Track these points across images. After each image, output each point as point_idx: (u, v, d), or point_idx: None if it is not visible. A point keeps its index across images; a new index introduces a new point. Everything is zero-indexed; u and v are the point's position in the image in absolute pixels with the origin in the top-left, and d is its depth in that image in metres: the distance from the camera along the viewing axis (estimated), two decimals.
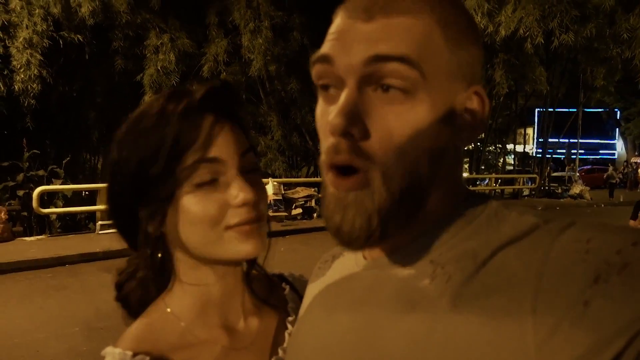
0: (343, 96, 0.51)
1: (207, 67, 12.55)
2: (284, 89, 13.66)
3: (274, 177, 12.67)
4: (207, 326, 0.76)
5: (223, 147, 0.69)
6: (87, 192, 11.05)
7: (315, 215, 11.99)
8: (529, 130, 33.52)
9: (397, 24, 0.51)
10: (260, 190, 0.73)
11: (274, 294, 0.87)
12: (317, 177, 15.02)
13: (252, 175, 0.73)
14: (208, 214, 0.69)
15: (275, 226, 10.44)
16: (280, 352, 0.78)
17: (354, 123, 0.50)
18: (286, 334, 0.80)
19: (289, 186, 12.39)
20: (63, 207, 9.93)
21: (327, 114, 0.53)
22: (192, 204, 0.69)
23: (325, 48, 0.54)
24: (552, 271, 0.44)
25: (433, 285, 0.51)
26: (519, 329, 0.43)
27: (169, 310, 0.76)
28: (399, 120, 0.50)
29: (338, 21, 0.55)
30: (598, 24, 11.68)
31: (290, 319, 0.82)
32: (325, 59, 0.53)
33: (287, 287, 0.89)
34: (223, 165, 0.70)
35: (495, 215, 0.54)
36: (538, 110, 28.80)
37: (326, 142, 0.53)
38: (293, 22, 12.95)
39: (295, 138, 14.31)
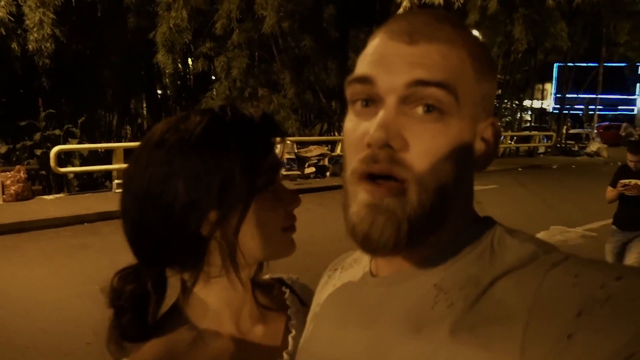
0: (382, 112, 0.54)
1: (220, 24, 12.36)
2: (298, 46, 13.45)
3: (287, 135, 12.62)
4: (218, 335, 0.78)
5: (276, 166, 0.78)
6: (103, 151, 11.18)
7: (328, 173, 12.02)
8: (547, 86, 32.77)
9: (437, 51, 0.54)
10: None
11: (275, 298, 0.89)
12: (330, 135, 14.97)
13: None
14: (274, 218, 0.77)
15: (289, 185, 10.41)
16: (285, 356, 0.80)
17: (393, 136, 0.53)
18: (290, 338, 0.82)
19: (302, 145, 12.38)
20: (80, 166, 10.09)
21: (359, 129, 0.56)
22: (263, 209, 0.75)
23: (365, 69, 0.56)
24: (540, 304, 0.46)
25: (436, 310, 0.54)
26: None
27: (183, 321, 0.77)
28: (435, 137, 0.53)
29: (377, 42, 0.57)
30: None
31: (292, 322, 0.84)
32: (366, 80, 0.56)
33: (287, 291, 0.91)
34: (277, 174, 0.78)
35: (499, 242, 0.56)
36: (557, 65, 28.07)
37: (358, 154, 0.55)
38: None
39: (309, 96, 14.19)
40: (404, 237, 0.54)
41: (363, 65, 0.57)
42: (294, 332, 0.83)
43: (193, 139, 0.71)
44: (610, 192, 4.39)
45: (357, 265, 0.70)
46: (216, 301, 0.79)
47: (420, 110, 0.53)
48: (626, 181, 4.19)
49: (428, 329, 0.53)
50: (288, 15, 12.52)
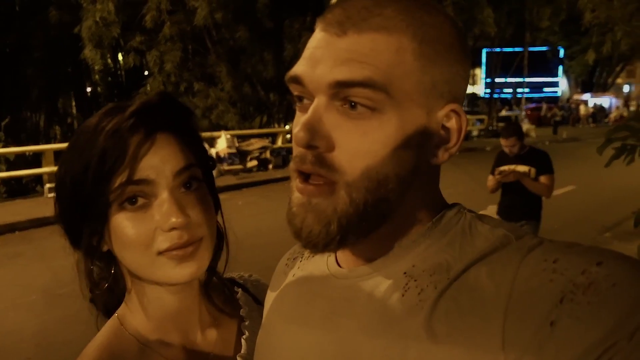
0: (310, 110, 0.52)
1: (150, 17, 11.95)
2: (232, 38, 13.25)
3: (226, 129, 12.48)
4: (164, 343, 0.75)
5: (152, 167, 0.67)
6: (31, 154, 10.59)
7: (270, 166, 11.98)
8: (477, 71, 34.01)
9: (367, 41, 0.51)
10: (201, 208, 0.71)
11: (229, 300, 0.85)
12: (271, 127, 14.89)
13: (194, 192, 0.71)
14: (138, 238, 0.67)
15: (231, 180, 10.38)
16: (238, 359, 0.77)
17: (317, 136, 0.51)
18: (243, 340, 0.79)
19: (242, 138, 12.25)
20: (6, 170, 9.53)
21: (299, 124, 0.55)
22: (123, 227, 0.68)
23: (297, 67, 0.55)
24: (520, 292, 0.46)
25: (406, 298, 0.52)
26: (490, 352, 0.45)
27: (125, 329, 0.75)
28: (365, 136, 0.51)
29: (315, 34, 0.55)
30: None
31: (245, 324, 0.81)
32: (296, 80, 0.54)
33: (240, 291, 0.87)
34: (153, 186, 0.68)
35: (469, 228, 0.55)
36: (486, 51, 29.16)
37: (296, 150, 0.55)
38: None
39: (247, 88, 14.04)
40: (335, 237, 0.53)
41: (299, 62, 0.55)
42: (247, 333, 0.80)
43: (76, 131, 0.72)
44: (490, 181, 4.08)
45: (321, 254, 0.66)
46: (157, 309, 0.76)
47: (348, 108, 0.52)
48: (504, 168, 3.91)
49: (400, 324, 0.52)
50: (221, 6, 12.27)
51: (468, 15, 14.63)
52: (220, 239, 0.79)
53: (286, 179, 0.60)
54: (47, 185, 9.15)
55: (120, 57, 14.46)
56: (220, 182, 9.81)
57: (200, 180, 0.73)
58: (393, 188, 0.53)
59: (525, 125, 20.99)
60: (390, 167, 0.52)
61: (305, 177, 0.53)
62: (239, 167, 11.36)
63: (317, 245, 0.54)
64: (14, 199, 9.33)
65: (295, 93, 0.56)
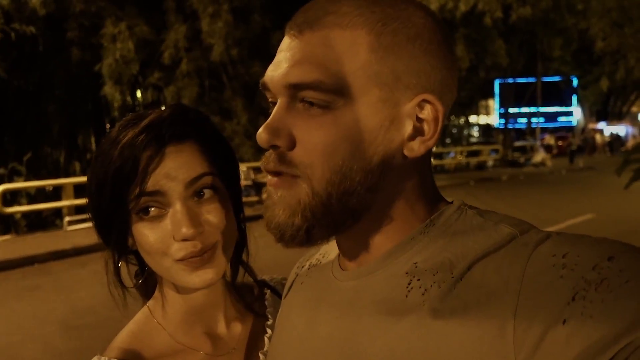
0: (272, 112, 0.55)
1: (168, 54, 12.31)
2: (248, 73, 13.50)
3: (242, 162, 12.60)
4: (190, 334, 0.80)
5: (164, 179, 0.70)
6: (51, 188, 10.77)
7: None
8: (491, 102, 34.07)
9: (320, 39, 0.52)
10: (215, 214, 0.73)
11: (257, 299, 0.89)
12: None
13: (207, 200, 0.74)
14: (155, 246, 0.71)
15: (247, 211, 10.26)
16: (261, 356, 0.81)
17: (278, 137, 0.54)
18: (265, 338, 0.82)
19: (258, 170, 12.33)
20: (27, 204, 9.69)
21: None
22: (142, 234, 0.72)
23: (266, 73, 0.57)
24: (529, 289, 0.45)
25: (409, 298, 0.52)
26: (501, 347, 0.44)
27: (154, 319, 0.80)
28: (321, 130, 0.52)
29: (283, 39, 0.57)
30: None
31: (269, 322, 0.85)
32: (263, 86, 0.57)
33: (268, 292, 0.91)
34: (166, 197, 0.71)
35: (471, 225, 0.54)
36: (499, 82, 29.27)
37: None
38: (253, 4, 12.77)
39: (262, 121, 13.86)
40: (299, 228, 0.54)
41: (268, 67, 0.58)
42: (269, 332, 0.83)
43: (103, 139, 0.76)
44: None
45: (325, 260, 0.69)
46: (182, 303, 0.80)
47: (303, 106, 0.53)
48: None
49: (405, 318, 0.52)
50: (236, 42, 12.60)
51: (480, 47, 14.79)
52: (242, 237, 0.83)
53: None
54: (67, 219, 9.26)
55: (138, 93, 14.80)
56: None
57: (214, 187, 0.75)
58: (360, 181, 0.53)
59: (541, 155, 20.87)
60: (353, 160, 0.52)
61: (274, 174, 0.56)
62: (255, 198, 11.40)
63: (284, 236, 0.55)
64: (34, 233, 9.45)
65: (269, 99, 0.58)
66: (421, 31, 0.53)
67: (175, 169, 0.71)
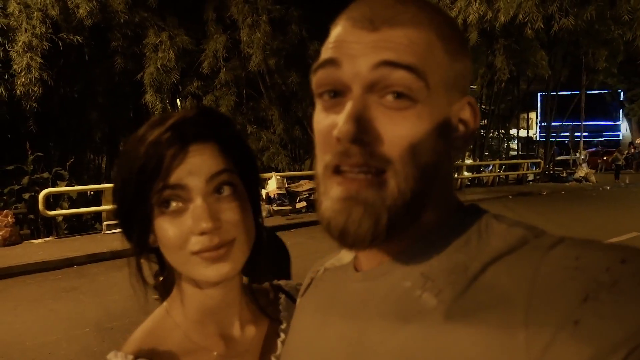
0: (350, 103, 0.51)
1: (207, 64, 12.54)
2: (284, 83, 13.63)
3: (277, 171, 12.69)
4: (204, 334, 0.81)
5: (186, 174, 0.73)
6: (92, 193, 11.09)
7: None
8: (532, 115, 33.34)
9: (401, 35, 0.52)
10: (234, 211, 0.75)
11: (272, 304, 0.91)
12: None
13: (227, 197, 0.75)
14: (174, 239, 0.73)
15: (281, 220, 10.47)
16: (273, 359, 0.82)
17: (365, 129, 0.51)
18: (278, 342, 0.84)
19: (292, 180, 12.39)
20: (69, 208, 9.99)
21: (328, 122, 0.54)
22: (163, 228, 0.74)
23: (329, 53, 0.54)
24: (541, 289, 0.45)
25: (423, 298, 0.52)
26: (512, 346, 0.44)
27: (170, 317, 0.82)
28: (408, 126, 0.51)
29: (339, 30, 0.55)
30: (598, 7, 11.60)
31: (282, 327, 0.86)
32: (332, 62, 0.53)
33: (283, 296, 0.93)
34: (188, 191, 0.73)
35: (485, 228, 0.54)
36: (540, 94, 28.63)
37: (330, 149, 0.53)
38: (291, 15, 12.90)
39: (297, 131, 14.29)
40: (383, 230, 0.52)
41: (327, 52, 0.55)
42: (282, 336, 0.84)
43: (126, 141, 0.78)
44: None
45: (340, 263, 0.69)
46: (198, 302, 0.81)
47: (389, 98, 0.51)
48: None
49: (414, 319, 0.51)
50: (274, 52, 12.74)
51: (520, 58, 14.50)
52: (259, 239, 0.82)
53: None
54: (105, 223, 9.50)
55: (178, 101, 15.14)
56: (269, 222, 9.89)
57: (234, 184, 0.76)
58: (431, 178, 0.53)
59: (584, 170, 20.23)
60: (428, 157, 0.53)
61: (360, 170, 0.52)
62: (288, 207, 11.45)
63: (364, 241, 0.52)
64: (74, 236, 9.73)
65: (327, 87, 0.55)
66: (462, 37, 0.58)
67: (198, 166, 0.73)
